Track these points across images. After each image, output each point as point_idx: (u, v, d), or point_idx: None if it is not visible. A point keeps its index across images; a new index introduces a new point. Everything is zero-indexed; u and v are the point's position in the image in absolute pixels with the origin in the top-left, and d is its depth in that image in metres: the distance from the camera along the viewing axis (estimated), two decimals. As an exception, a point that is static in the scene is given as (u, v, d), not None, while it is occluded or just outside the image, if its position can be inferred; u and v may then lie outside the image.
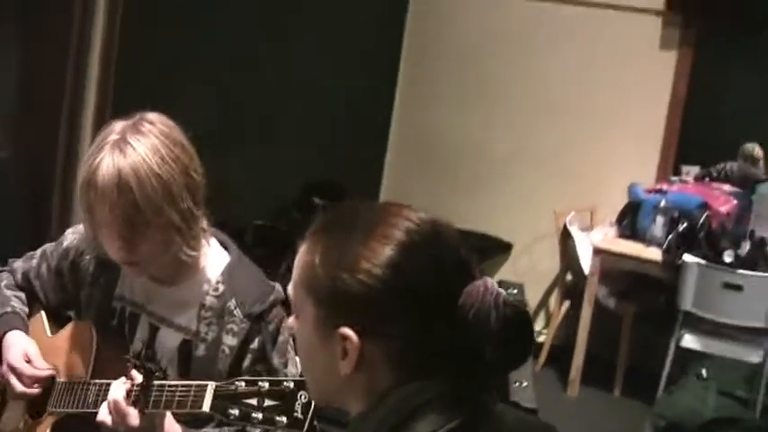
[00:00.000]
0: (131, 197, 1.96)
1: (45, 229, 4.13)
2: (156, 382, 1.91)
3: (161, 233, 2.03)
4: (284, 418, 1.70)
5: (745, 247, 5.02)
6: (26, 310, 2.34)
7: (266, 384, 1.73)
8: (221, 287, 2.15)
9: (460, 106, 6.62)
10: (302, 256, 1.38)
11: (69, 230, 2.37)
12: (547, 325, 6.18)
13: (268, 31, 5.34)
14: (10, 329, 2.26)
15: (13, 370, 2.18)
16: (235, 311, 2.12)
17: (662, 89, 6.03)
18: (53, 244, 2.38)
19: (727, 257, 4.99)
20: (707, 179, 6.49)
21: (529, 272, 6.34)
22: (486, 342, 1.29)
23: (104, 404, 1.96)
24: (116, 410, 1.92)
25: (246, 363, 2.12)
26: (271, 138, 5.53)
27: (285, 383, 1.72)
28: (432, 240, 1.35)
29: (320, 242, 1.36)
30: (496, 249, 6.43)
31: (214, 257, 2.20)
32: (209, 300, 2.15)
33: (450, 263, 1.34)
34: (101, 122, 4.04)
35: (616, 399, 5.57)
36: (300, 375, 1.81)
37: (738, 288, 4.86)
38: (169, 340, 2.17)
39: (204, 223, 2.13)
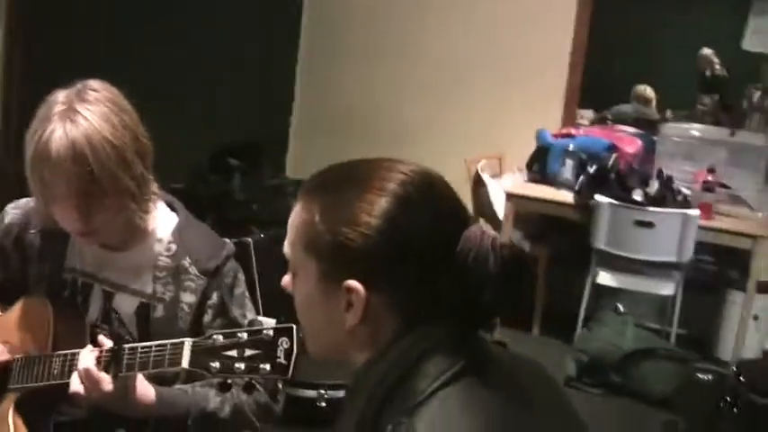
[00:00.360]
0: (87, 168, 1.92)
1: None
2: (125, 346, 1.90)
3: (117, 201, 2.01)
4: (267, 366, 1.69)
5: (654, 185, 5.20)
6: None
7: (245, 335, 1.72)
8: (174, 247, 2.16)
9: (362, 69, 6.66)
10: (298, 215, 1.40)
11: (9, 206, 2.31)
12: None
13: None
14: None
15: None
16: (190, 269, 2.14)
17: (564, 36, 6.17)
18: None
19: (637, 196, 5.17)
20: (607, 122, 6.71)
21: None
22: (486, 285, 1.33)
23: (74, 374, 1.93)
24: (88, 378, 1.89)
25: (207, 318, 2.14)
26: (181, 103, 5.47)
27: (264, 332, 1.71)
28: (426, 189, 1.38)
29: (317, 200, 1.38)
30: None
31: (163, 219, 2.20)
32: (162, 260, 2.15)
33: (445, 210, 1.38)
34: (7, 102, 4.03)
35: (536, 338, 5.71)
36: (280, 322, 1.77)
37: (650, 225, 5.04)
38: (125, 306, 2.16)
39: (155, 187, 2.12)
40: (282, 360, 1.69)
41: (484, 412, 1.28)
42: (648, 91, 8.25)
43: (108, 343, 1.95)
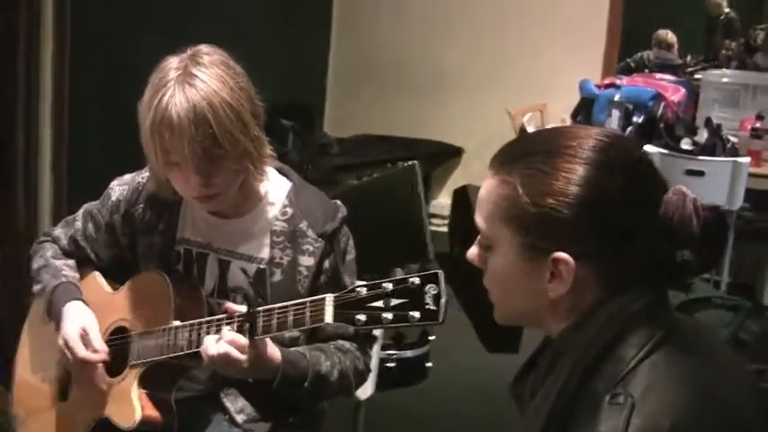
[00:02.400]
0: (209, 130, 1.94)
1: (12, 218, 4.07)
2: (259, 309, 1.93)
3: (236, 162, 2.03)
4: (417, 313, 1.70)
5: (703, 133, 5.20)
6: (77, 276, 2.31)
7: (389, 285, 1.73)
8: (289, 210, 2.18)
9: (397, 17, 6.63)
10: (494, 189, 1.42)
11: (114, 183, 2.33)
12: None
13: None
14: (68, 301, 2.22)
15: (68, 347, 2.15)
16: (308, 232, 2.16)
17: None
18: (96, 202, 2.35)
19: (686, 145, 5.16)
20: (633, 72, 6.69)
21: (481, 175, 6.40)
22: (688, 246, 1.37)
23: (208, 340, 1.94)
24: (231, 342, 1.91)
25: (321, 281, 2.17)
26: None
27: (411, 280, 1.72)
28: (622, 154, 1.40)
29: (516, 173, 1.39)
30: (447, 155, 6.53)
31: (275, 183, 2.22)
32: (279, 225, 2.17)
33: (642, 173, 1.40)
34: (59, 110, 4.03)
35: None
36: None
37: (700, 174, 5.03)
38: (242, 273, 2.18)
39: (269, 149, 2.13)
40: (432, 306, 1.70)
41: (688, 378, 1.33)
42: (670, 36, 8.21)
43: (239, 308, 1.97)
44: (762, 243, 5.59)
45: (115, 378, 2.18)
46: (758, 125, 5.22)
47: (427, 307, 1.71)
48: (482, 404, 4.13)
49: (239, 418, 2.21)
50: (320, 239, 2.16)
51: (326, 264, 2.17)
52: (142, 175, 2.28)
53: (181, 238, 2.23)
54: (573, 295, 1.38)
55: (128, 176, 2.32)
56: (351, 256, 2.24)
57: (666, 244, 1.37)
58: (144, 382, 2.14)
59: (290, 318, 1.88)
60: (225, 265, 2.20)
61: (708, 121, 5.25)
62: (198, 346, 2.00)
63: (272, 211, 2.19)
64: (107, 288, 2.30)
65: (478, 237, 1.49)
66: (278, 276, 2.16)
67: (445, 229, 6.24)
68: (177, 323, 2.08)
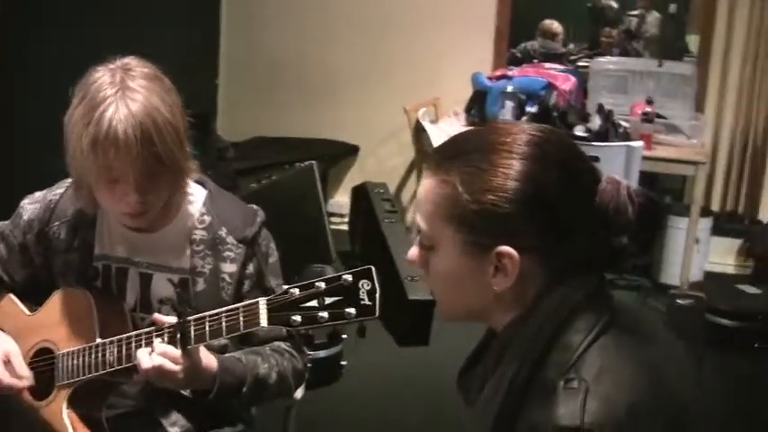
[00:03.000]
0: (153, 148, 1.90)
1: None
2: (189, 318, 1.89)
3: (173, 179, 2.01)
4: (353, 309, 1.71)
5: (595, 120, 5.30)
6: None
7: (322, 284, 1.73)
8: (207, 218, 2.15)
9: (287, 20, 6.57)
10: (434, 189, 1.42)
11: (24, 202, 2.25)
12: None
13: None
14: None
15: None
16: (228, 239, 2.14)
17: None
18: (6, 223, 2.27)
19: (579, 132, 5.25)
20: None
21: (378, 172, 6.46)
22: (625, 233, 1.40)
23: (141, 353, 1.90)
24: (160, 355, 1.88)
25: (245, 288, 2.15)
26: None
27: (343, 277, 1.72)
28: (556, 147, 1.43)
29: (454, 172, 1.40)
30: (343, 153, 6.52)
31: (191, 192, 2.18)
32: (198, 233, 2.14)
33: (576, 164, 1.43)
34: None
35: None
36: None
37: (596, 159, 5.12)
38: (165, 284, 2.14)
39: (193, 163, 2.09)
40: (367, 301, 1.72)
41: (637, 358, 1.37)
42: (555, 25, 8.34)
43: (168, 319, 1.94)
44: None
45: (43, 401, 2.11)
46: (648, 109, 5.34)
47: (362, 303, 1.72)
48: (398, 398, 4.14)
49: (173, 431, 2.16)
50: (241, 245, 2.14)
51: (250, 269, 2.16)
52: (54, 192, 2.22)
53: (99, 254, 2.18)
54: (517, 288, 1.40)
55: (38, 194, 2.25)
56: (273, 258, 2.23)
57: (604, 232, 1.40)
58: (73, 403, 2.08)
59: (224, 324, 1.86)
60: (147, 279, 2.16)
61: (600, 108, 5.36)
62: (129, 362, 1.96)
63: (190, 221, 2.16)
64: (24, 310, 2.23)
65: (418, 237, 1.50)
66: (201, 285, 2.12)
67: (345, 227, 6.23)
68: (104, 339, 2.03)
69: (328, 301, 1.73)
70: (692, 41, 7.65)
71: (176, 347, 1.88)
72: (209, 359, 1.97)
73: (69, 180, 2.19)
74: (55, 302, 2.16)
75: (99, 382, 2.05)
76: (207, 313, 1.89)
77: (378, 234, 5.15)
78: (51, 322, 2.15)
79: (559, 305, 1.39)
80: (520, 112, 5.51)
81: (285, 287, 1.78)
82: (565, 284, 1.40)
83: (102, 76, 1.95)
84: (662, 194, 5.97)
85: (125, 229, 2.14)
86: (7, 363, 2.08)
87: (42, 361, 2.13)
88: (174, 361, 1.88)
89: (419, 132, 5.82)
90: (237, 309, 1.84)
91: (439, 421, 3.88)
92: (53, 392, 2.10)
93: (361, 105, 6.46)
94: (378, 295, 1.72)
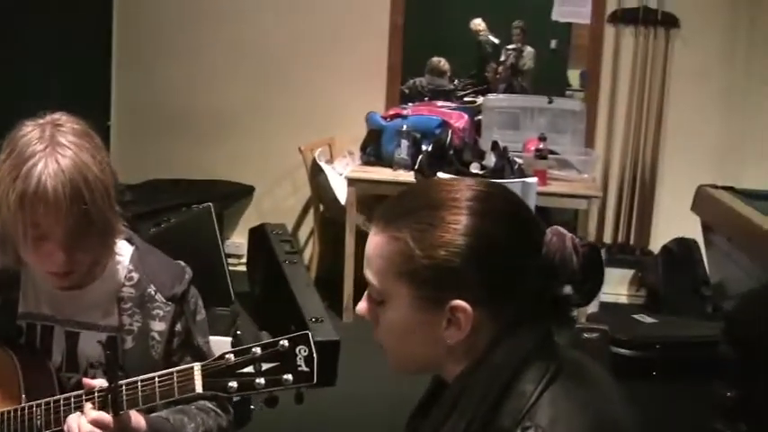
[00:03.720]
0: (83, 206, 1.86)
1: None
2: (121, 383, 1.85)
3: (101, 238, 1.96)
4: (290, 376, 1.71)
5: (491, 157, 5.39)
6: None
7: (258, 349, 1.73)
8: (135, 275, 2.10)
9: (178, 64, 6.50)
10: (385, 246, 1.44)
11: None
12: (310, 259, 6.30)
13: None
14: None
15: None
16: (156, 296, 2.09)
17: (381, 16, 6.27)
18: None
19: (475, 169, 5.34)
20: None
21: (273, 211, 6.43)
22: (570, 282, 1.44)
23: (71, 420, 1.85)
24: (97, 424, 1.83)
25: (173, 346, 2.11)
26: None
27: (280, 343, 1.72)
28: (502, 201, 1.47)
29: (405, 229, 1.42)
30: (239, 194, 6.48)
31: (117, 248, 2.12)
32: (126, 291, 2.09)
33: (524, 217, 1.47)
34: None
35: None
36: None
37: (492, 196, 5.20)
38: (92, 343, 2.09)
39: (122, 222, 2.05)
40: (304, 368, 1.73)
41: (585, 405, 1.41)
42: (443, 63, 8.44)
43: (98, 382, 1.89)
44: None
45: None
46: (541, 146, 5.44)
47: (300, 369, 1.72)
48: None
49: None
50: (170, 303, 2.10)
51: (178, 326, 2.12)
52: None
53: (23, 312, 2.11)
54: (468, 339, 1.43)
55: None
56: (201, 316, 2.20)
57: (550, 282, 1.44)
58: None
59: (157, 389, 1.82)
60: (73, 337, 2.10)
61: (494, 145, 5.45)
62: (57, 426, 1.91)
63: (118, 278, 2.10)
64: None
65: (367, 292, 1.51)
66: (129, 343, 2.08)
67: (242, 268, 6.18)
68: (30, 402, 1.96)
69: (265, 367, 1.73)
70: (572, 76, 7.87)
71: (108, 412, 1.84)
72: (138, 420, 1.93)
73: None
74: None
75: None
76: (139, 378, 1.85)
77: (279, 275, 5.13)
78: None
79: (510, 355, 1.41)
80: (415, 150, 5.56)
81: (221, 353, 1.76)
82: (514, 335, 1.42)
83: (32, 131, 1.91)
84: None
85: (50, 286, 2.07)
86: None
87: None
88: (106, 427, 1.83)
89: (316, 172, 5.82)
90: (171, 374, 1.81)
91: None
92: None
93: (255, 146, 6.42)
94: (315, 361, 1.72)
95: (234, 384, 1.73)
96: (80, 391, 1.91)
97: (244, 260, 6.25)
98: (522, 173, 5.36)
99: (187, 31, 6.49)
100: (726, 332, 4.01)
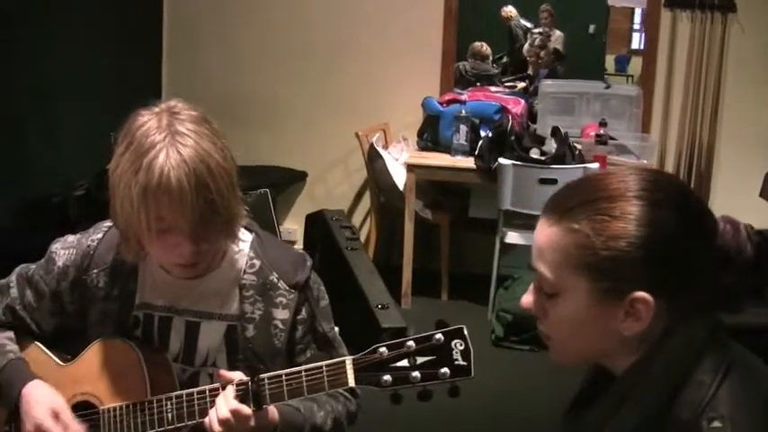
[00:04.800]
0: (210, 196, 1.81)
1: None
2: (263, 376, 1.85)
3: (227, 227, 1.92)
4: (447, 369, 1.71)
5: (551, 143, 5.36)
6: (18, 349, 2.11)
7: (412, 343, 1.73)
8: (257, 263, 2.07)
9: (231, 56, 6.51)
10: (560, 239, 1.42)
11: (56, 246, 2.14)
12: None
13: (31, 16, 5.06)
14: (24, 381, 2.02)
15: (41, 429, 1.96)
16: (279, 284, 2.06)
17: (436, 4, 6.23)
18: (33, 266, 2.16)
19: (535, 155, 5.32)
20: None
21: (326, 198, 6.44)
22: (743, 272, 1.43)
23: (213, 414, 1.85)
24: (235, 417, 1.82)
25: (298, 334, 2.08)
26: (56, 111, 5.27)
27: (435, 337, 1.72)
28: (675, 190, 1.45)
29: (583, 220, 1.40)
30: (291, 180, 6.48)
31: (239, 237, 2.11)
32: (247, 278, 2.06)
33: (697, 205, 1.45)
34: None
35: (446, 303, 5.82)
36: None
37: (553, 182, 5.18)
38: (213, 333, 2.06)
39: (244, 208, 2.01)
40: (461, 361, 1.72)
41: (758, 393, 1.39)
42: (485, 48, 8.43)
43: (234, 375, 1.89)
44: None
45: None
46: (601, 131, 5.42)
47: (456, 363, 1.72)
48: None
49: None
50: (293, 291, 2.07)
51: (302, 314, 2.09)
52: (92, 238, 2.12)
53: (140, 303, 2.08)
54: (643, 330, 1.41)
55: (72, 238, 2.15)
56: (325, 302, 2.16)
57: (724, 272, 1.43)
58: None
59: (305, 383, 1.82)
60: (193, 327, 2.07)
61: (555, 131, 5.42)
62: (189, 419, 1.91)
63: (238, 266, 2.07)
64: (55, 360, 2.11)
65: (534, 284, 1.50)
66: (251, 332, 2.05)
67: (297, 254, 6.17)
68: (160, 396, 1.95)
69: (420, 360, 1.73)
70: (609, 61, 7.83)
71: (249, 406, 1.83)
72: (273, 413, 1.92)
73: (106, 224, 2.11)
74: (94, 353, 2.05)
75: None
76: (282, 372, 1.84)
77: (341, 262, 5.12)
78: (91, 375, 2.04)
79: (685, 346, 1.40)
80: (474, 136, 5.55)
81: (373, 346, 1.75)
82: (689, 325, 1.41)
83: (149, 121, 1.86)
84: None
85: (168, 276, 2.06)
86: (56, 418, 1.97)
87: (81, 416, 2.03)
88: (244, 419, 1.83)
89: (373, 158, 5.82)
90: (320, 368, 1.80)
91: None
92: None
93: (307, 132, 6.42)
94: (472, 355, 1.73)
95: (388, 378, 1.73)
96: (216, 384, 1.90)
97: (298, 246, 6.24)
98: (582, 159, 5.34)
99: (239, 17, 6.48)
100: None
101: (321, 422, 2.04)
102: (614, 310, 1.40)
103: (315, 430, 2.03)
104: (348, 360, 1.77)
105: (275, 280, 2.06)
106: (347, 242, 5.25)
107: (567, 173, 5.19)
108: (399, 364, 1.73)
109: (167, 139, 1.82)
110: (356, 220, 6.50)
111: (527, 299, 1.51)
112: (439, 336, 1.72)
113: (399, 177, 5.64)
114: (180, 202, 1.80)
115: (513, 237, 5.40)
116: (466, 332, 1.74)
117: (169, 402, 1.94)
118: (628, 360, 1.44)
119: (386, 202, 5.97)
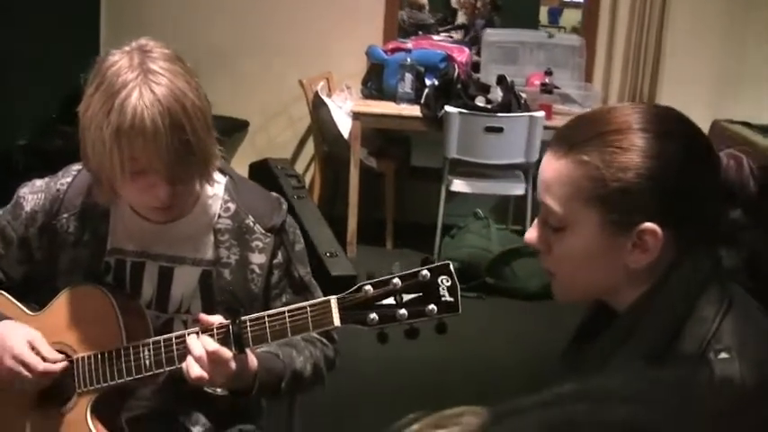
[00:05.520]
0: (184, 136, 1.76)
1: None
2: (244, 318, 1.82)
3: (203, 168, 1.87)
4: (434, 306, 1.69)
5: (497, 92, 5.37)
6: None
7: (398, 280, 1.70)
8: (232, 206, 2.03)
9: (170, 6, 6.39)
10: (570, 171, 1.41)
11: (24, 191, 2.07)
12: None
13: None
14: None
15: (22, 363, 1.89)
16: (255, 227, 2.02)
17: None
18: (2, 212, 2.09)
19: (480, 103, 5.32)
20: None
21: (268, 147, 6.38)
22: (745, 207, 1.44)
23: (190, 359, 1.80)
24: (214, 360, 1.78)
25: (274, 278, 2.05)
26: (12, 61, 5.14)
27: (422, 273, 1.69)
28: (682, 124, 1.46)
29: (591, 152, 1.40)
30: (233, 129, 6.39)
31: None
32: (222, 222, 2.02)
33: (701, 138, 1.46)
34: None
35: (391, 252, 5.81)
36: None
37: (499, 130, 5.21)
38: (187, 278, 2.02)
39: (218, 148, 1.96)
40: (448, 297, 1.70)
41: (760, 327, 1.41)
42: (420, -5, 8.39)
43: (215, 318, 1.85)
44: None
45: (65, 407, 1.97)
46: (547, 81, 5.44)
47: (443, 299, 1.70)
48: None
49: (196, 430, 2.08)
50: (269, 234, 2.03)
51: (278, 258, 2.05)
52: (60, 182, 2.06)
53: (113, 249, 2.03)
54: (650, 263, 1.42)
55: (39, 182, 2.08)
56: (300, 245, 2.14)
57: (727, 206, 1.44)
58: (96, 410, 1.95)
59: (289, 325, 1.79)
60: (166, 273, 2.03)
61: (501, 79, 5.43)
62: (168, 365, 1.87)
63: (212, 209, 2.03)
64: (23, 309, 2.05)
65: (539, 219, 1.49)
66: (227, 276, 2.01)
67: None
68: (137, 342, 1.91)
69: (407, 298, 1.70)
70: (542, 12, 7.85)
71: (229, 348, 1.80)
72: (252, 360, 1.89)
73: (75, 168, 2.06)
74: (66, 301, 2.00)
75: (121, 386, 1.93)
76: (265, 313, 1.81)
77: (288, 210, 5.07)
78: (63, 323, 1.99)
79: (689, 280, 1.41)
80: (419, 84, 5.52)
81: (357, 285, 1.73)
82: (692, 258, 1.42)
83: (120, 60, 1.80)
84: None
85: (141, 220, 2.01)
86: (33, 348, 1.90)
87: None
88: (224, 363, 1.80)
89: (317, 107, 5.77)
90: (304, 308, 1.78)
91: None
92: (73, 398, 1.96)
93: (248, 81, 6.32)
94: (459, 291, 1.71)
95: (374, 316, 1.70)
96: (195, 329, 1.86)
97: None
98: (527, 107, 5.35)
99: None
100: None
101: (301, 367, 2.02)
102: (622, 242, 1.40)
103: (295, 376, 2.00)
104: (333, 299, 1.75)
105: (251, 224, 2.02)
106: (293, 191, 5.22)
107: (513, 121, 5.22)
108: (385, 302, 1.71)
109: (140, 77, 1.77)
110: (299, 168, 6.44)
111: (531, 234, 1.49)
112: (425, 272, 1.70)
113: (344, 126, 5.60)
114: (154, 142, 1.75)
115: (458, 185, 5.41)
116: (452, 268, 1.72)
117: (146, 348, 1.90)
118: (633, 294, 1.44)
119: (330, 151, 5.93)
